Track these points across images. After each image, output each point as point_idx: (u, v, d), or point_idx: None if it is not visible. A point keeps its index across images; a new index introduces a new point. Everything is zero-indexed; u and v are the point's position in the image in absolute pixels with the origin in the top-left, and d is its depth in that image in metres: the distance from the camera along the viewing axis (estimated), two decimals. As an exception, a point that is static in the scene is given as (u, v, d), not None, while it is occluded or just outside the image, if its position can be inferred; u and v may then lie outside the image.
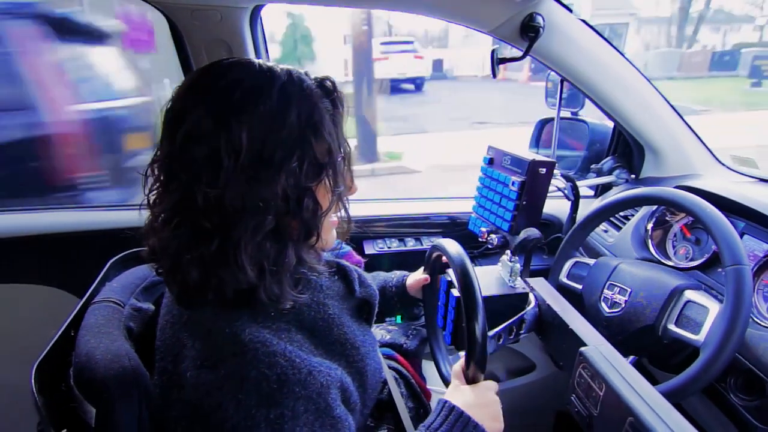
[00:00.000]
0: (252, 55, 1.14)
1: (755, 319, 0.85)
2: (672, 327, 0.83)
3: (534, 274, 1.22)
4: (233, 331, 0.54)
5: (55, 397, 0.58)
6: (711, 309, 0.78)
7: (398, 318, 1.31)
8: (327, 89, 0.61)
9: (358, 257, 0.89)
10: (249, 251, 0.54)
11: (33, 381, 0.56)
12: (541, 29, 1.01)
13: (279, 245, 0.57)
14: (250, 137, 0.52)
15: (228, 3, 1.02)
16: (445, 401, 0.67)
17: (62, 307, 0.72)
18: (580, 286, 1.04)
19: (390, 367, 0.95)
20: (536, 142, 1.60)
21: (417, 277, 0.96)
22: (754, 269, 0.91)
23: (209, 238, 0.53)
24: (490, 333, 0.77)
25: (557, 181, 1.30)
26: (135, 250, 0.82)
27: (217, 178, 0.52)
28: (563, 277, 1.09)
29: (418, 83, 11.93)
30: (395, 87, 11.34)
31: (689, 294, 0.83)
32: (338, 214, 0.66)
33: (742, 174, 1.24)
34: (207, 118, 0.53)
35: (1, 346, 1.22)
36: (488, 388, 0.70)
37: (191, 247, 0.54)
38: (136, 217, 0.60)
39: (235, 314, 0.56)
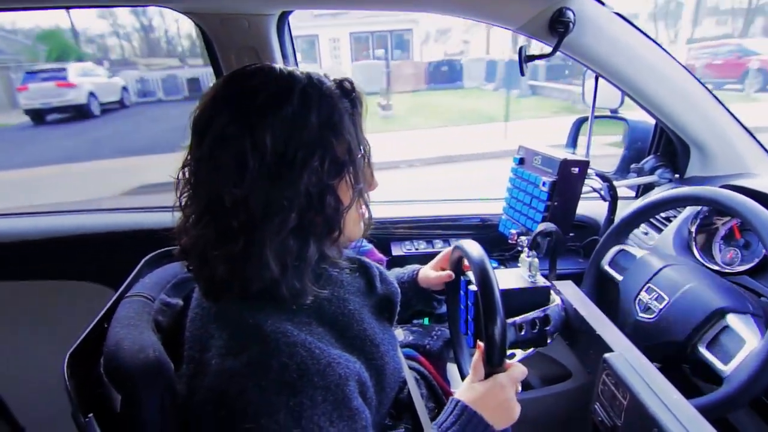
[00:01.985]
0: (280, 61, 1.17)
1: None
2: (702, 349, 0.77)
3: (569, 277, 1.18)
4: (256, 322, 0.56)
5: (86, 384, 0.62)
6: (748, 342, 0.72)
7: (425, 320, 1.30)
8: (346, 90, 0.63)
9: (380, 255, 0.89)
10: (273, 248, 0.56)
11: (66, 368, 0.60)
12: (571, 24, 0.97)
13: (301, 241, 0.59)
14: (274, 139, 0.55)
15: (255, 11, 1.06)
16: (458, 400, 0.66)
17: (103, 301, 0.76)
18: (620, 277, 0.98)
19: (411, 368, 0.94)
20: (573, 141, 1.55)
21: (430, 269, 0.95)
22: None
23: (235, 237, 0.56)
24: (510, 321, 0.75)
25: (593, 182, 1.24)
26: (167, 248, 0.86)
27: (243, 179, 0.55)
28: (605, 265, 1.04)
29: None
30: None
31: (731, 319, 0.76)
32: (360, 210, 0.68)
33: (803, 171, 1.14)
34: (232, 123, 0.56)
35: (48, 337, 1.32)
36: (503, 384, 0.68)
37: (218, 245, 0.57)
38: (170, 219, 0.64)
39: (258, 307, 0.58)
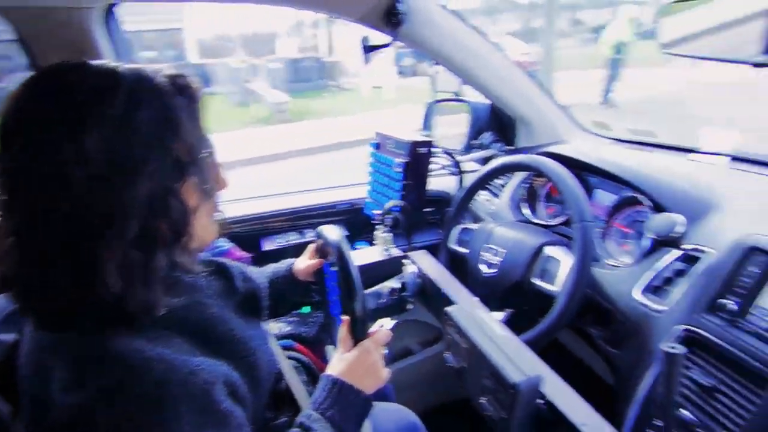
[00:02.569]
0: (111, 59, 1.07)
1: (606, 260, 0.97)
2: (536, 281, 0.93)
3: (429, 248, 1.30)
4: (101, 345, 0.51)
5: None
6: (563, 261, 0.89)
7: (306, 308, 1.32)
8: (180, 86, 0.59)
9: (241, 253, 0.88)
10: (114, 262, 0.51)
11: None
12: (402, 15, 1.05)
13: (146, 252, 0.54)
14: (100, 144, 0.50)
15: (72, 3, 0.94)
16: (328, 375, 0.69)
17: None
18: (467, 250, 1.12)
19: (291, 358, 0.96)
20: (427, 124, 1.67)
21: (304, 261, 0.97)
22: (606, 219, 1.03)
23: (66, 256, 0.50)
24: (368, 291, 0.81)
25: (442, 159, 1.37)
26: None
27: (69, 190, 0.49)
28: (452, 243, 1.16)
29: None
30: None
31: (548, 250, 0.94)
32: (211, 211, 0.65)
33: (602, 136, 1.39)
34: (48, 128, 0.50)
35: None
36: (368, 349, 0.72)
37: (46, 269, 0.51)
38: None
39: (102, 329, 0.53)
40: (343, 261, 0.72)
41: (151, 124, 0.53)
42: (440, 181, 1.47)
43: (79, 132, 0.49)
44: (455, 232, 1.16)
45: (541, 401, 0.59)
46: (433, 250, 1.22)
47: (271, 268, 1.01)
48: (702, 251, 0.76)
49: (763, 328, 0.63)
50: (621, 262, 0.95)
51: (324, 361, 1.07)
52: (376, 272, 0.85)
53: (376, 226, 0.96)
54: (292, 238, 1.41)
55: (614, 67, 7.71)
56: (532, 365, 0.60)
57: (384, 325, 0.78)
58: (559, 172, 0.91)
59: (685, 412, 0.62)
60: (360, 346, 0.72)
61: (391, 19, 1.08)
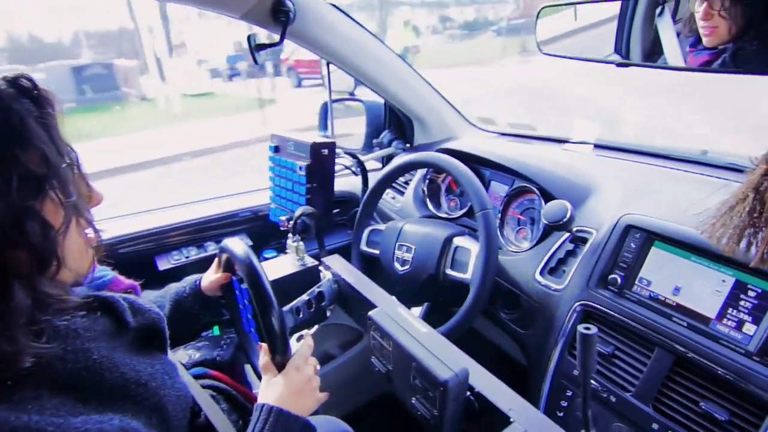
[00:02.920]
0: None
1: (507, 247, 1.05)
2: (449, 271, 0.96)
3: (339, 249, 1.28)
4: None
5: None
6: (472, 250, 0.94)
7: (215, 329, 1.22)
8: (24, 88, 0.50)
9: (129, 282, 0.77)
10: None
11: None
12: (291, 13, 1.01)
13: (2, 287, 0.45)
14: None
15: None
16: (262, 405, 0.65)
17: None
18: (377, 251, 1.12)
19: (206, 386, 0.87)
20: (324, 124, 1.65)
21: (212, 276, 0.90)
22: (501, 207, 1.11)
23: None
24: (285, 308, 0.77)
25: (344, 160, 1.36)
26: None
27: None
28: (363, 246, 1.16)
29: None
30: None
31: (457, 240, 0.98)
32: (84, 232, 0.56)
33: (487, 131, 1.49)
34: None
35: None
36: (298, 367, 0.69)
37: None
38: None
39: None
40: (254, 279, 0.67)
41: None
42: (344, 182, 1.46)
43: None
44: (365, 234, 1.16)
45: (469, 393, 0.61)
46: (345, 251, 1.21)
47: (174, 288, 0.92)
48: (588, 232, 0.85)
49: (645, 296, 0.72)
50: (520, 248, 1.03)
51: (245, 384, 1.00)
52: (291, 284, 0.81)
53: (288, 235, 0.92)
54: (192, 254, 1.30)
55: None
56: (457, 359, 0.62)
57: (303, 336, 0.75)
58: (457, 167, 0.96)
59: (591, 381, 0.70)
60: (288, 366, 0.69)
61: (278, 17, 1.04)
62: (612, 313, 0.74)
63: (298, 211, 0.87)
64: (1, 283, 0.46)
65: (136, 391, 0.56)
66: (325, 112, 1.65)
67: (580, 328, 0.50)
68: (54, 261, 0.50)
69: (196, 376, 0.88)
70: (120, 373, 0.56)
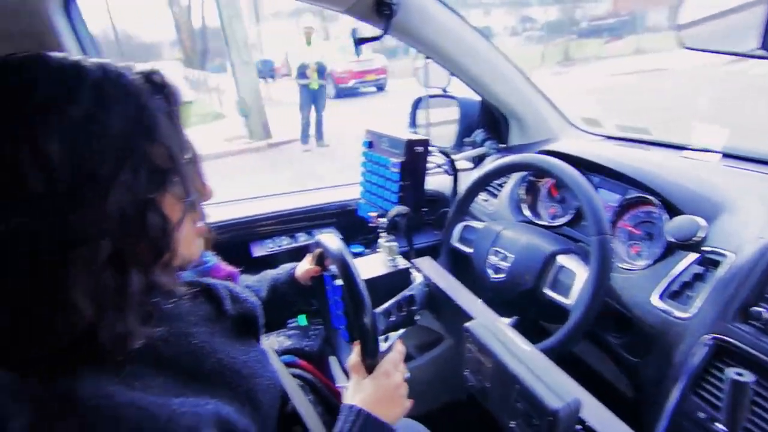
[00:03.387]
0: (74, 52, 0.96)
1: (617, 264, 0.94)
2: (547, 291, 0.89)
3: (425, 251, 1.25)
4: (67, 390, 0.44)
5: None
6: (578, 274, 0.85)
7: (301, 319, 1.26)
8: (156, 84, 0.52)
9: (229, 269, 0.80)
10: (82, 287, 0.44)
11: None
12: (394, 6, 0.99)
13: (120, 273, 0.47)
14: (63, 149, 0.43)
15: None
16: (350, 405, 0.64)
17: None
18: (471, 250, 1.07)
19: (294, 375, 0.89)
20: (413, 121, 1.62)
21: (305, 265, 0.91)
22: (612, 219, 1.01)
23: (25, 280, 0.43)
24: (377, 310, 0.76)
25: (436, 158, 1.32)
26: None
27: (28, 204, 0.42)
28: (455, 241, 1.12)
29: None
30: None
31: (561, 259, 0.89)
32: (196, 223, 0.58)
33: (592, 133, 1.37)
34: (1, 130, 0.42)
35: None
36: (387, 372, 0.68)
37: (4, 295, 0.43)
38: None
39: (69, 370, 0.46)
40: (349, 279, 0.66)
41: (123, 127, 0.46)
42: (433, 180, 1.42)
43: (38, 136, 0.42)
44: (458, 229, 1.11)
45: (579, 427, 0.55)
46: (431, 251, 1.18)
47: (271, 274, 0.95)
48: (722, 255, 0.74)
49: (799, 336, 0.61)
50: (633, 265, 0.92)
51: (329, 377, 1.02)
52: (382, 285, 0.80)
53: (380, 234, 0.90)
54: (284, 243, 1.34)
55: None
56: (567, 387, 0.56)
57: (394, 342, 0.73)
58: (575, 178, 0.86)
59: (720, 426, 0.60)
60: (378, 370, 0.67)
61: (382, 10, 1.02)
62: (754, 352, 0.62)
63: (393, 211, 0.85)
64: (120, 270, 0.47)
65: (231, 377, 0.57)
66: (415, 108, 1.63)
67: (731, 373, 0.42)
68: (167, 252, 0.52)
69: (286, 364, 0.91)
70: (217, 359, 0.57)
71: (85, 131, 0.44)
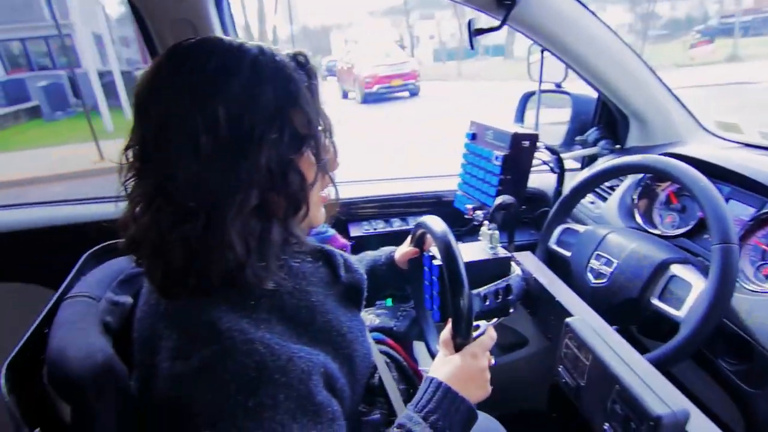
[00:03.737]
0: (219, 34, 1.10)
1: (742, 284, 0.84)
2: (655, 301, 0.82)
3: (523, 248, 1.22)
4: (210, 320, 0.52)
5: (28, 397, 0.56)
6: (695, 286, 0.77)
7: (388, 301, 1.30)
8: (300, 62, 0.60)
9: (344, 241, 0.86)
10: (237, 227, 0.53)
11: (3, 380, 0.55)
12: (517, -4, 0.98)
13: (264, 222, 0.56)
14: (227, 113, 0.52)
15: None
16: (432, 378, 0.66)
17: (40, 304, 0.70)
18: (569, 253, 1.03)
19: (381, 352, 0.94)
20: (521, 116, 1.58)
21: (404, 249, 0.95)
22: (741, 234, 0.90)
23: (193, 218, 0.53)
24: (475, 291, 0.76)
25: (542, 154, 1.28)
26: (110, 242, 0.80)
27: (197, 157, 0.52)
28: (553, 243, 1.08)
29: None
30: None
31: (675, 268, 0.82)
32: (322, 192, 0.66)
33: (727, 140, 1.23)
34: (180, 98, 0.53)
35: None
36: (475, 355, 0.69)
37: (174, 229, 0.53)
38: (112, 210, 0.59)
39: (213, 303, 0.54)
40: (451, 256, 0.68)
41: (274, 95, 0.55)
42: (535, 178, 1.37)
43: (208, 102, 0.52)
44: (557, 231, 1.07)
45: (686, 440, 0.51)
46: (528, 250, 1.14)
47: (370, 255, 1.00)
48: None
49: None
50: (762, 287, 0.82)
51: (412, 357, 1.04)
52: (480, 271, 0.80)
53: (479, 222, 0.91)
54: (379, 227, 1.40)
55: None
56: (674, 396, 0.53)
57: (487, 327, 0.73)
58: (700, 183, 0.79)
59: None
60: (467, 350, 0.68)
61: (503, 1, 1.01)
62: None
63: (499, 199, 0.85)
64: (266, 218, 0.56)
65: (336, 339, 0.63)
66: (524, 103, 1.58)
67: None
68: (303, 207, 0.59)
69: (375, 341, 0.95)
70: (327, 319, 0.63)
71: (245, 98, 0.53)
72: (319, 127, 0.60)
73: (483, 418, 0.93)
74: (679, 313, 0.78)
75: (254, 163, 0.53)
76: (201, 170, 0.52)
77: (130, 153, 0.57)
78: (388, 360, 0.93)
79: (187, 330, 0.54)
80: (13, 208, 1.39)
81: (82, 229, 1.24)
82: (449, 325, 0.70)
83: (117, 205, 0.58)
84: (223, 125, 0.52)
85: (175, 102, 0.53)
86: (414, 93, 11.95)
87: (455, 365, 0.67)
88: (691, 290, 0.78)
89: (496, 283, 0.79)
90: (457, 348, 0.69)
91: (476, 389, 0.67)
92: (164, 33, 1.04)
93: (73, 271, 0.76)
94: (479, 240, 0.87)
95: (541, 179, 1.41)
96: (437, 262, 0.80)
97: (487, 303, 0.78)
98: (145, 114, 0.55)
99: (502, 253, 0.83)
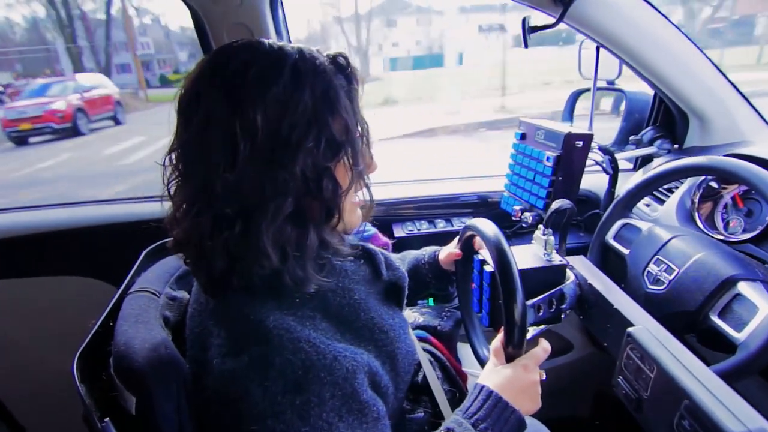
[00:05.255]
0: (274, 39, 1.12)
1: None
2: (714, 318, 0.77)
3: (571, 252, 1.18)
4: (257, 318, 0.54)
5: (96, 386, 0.60)
6: (761, 310, 0.72)
7: (430, 300, 1.30)
8: (340, 65, 0.60)
9: (385, 239, 0.87)
10: (270, 235, 0.54)
11: (75, 370, 0.58)
12: (576, -7, 0.95)
13: (300, 228, 0.57)
14: (265, 118, 0.52)
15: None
16: (483, 386, 0.65)
17: (102, 297, 0.74)
18: (626, 251, 0.98)
19: (424, 350, 0.93)
20: (570, 114, 1.53)
21: (449, 250, 0.94)
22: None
23: (231, 224, 0.54)
24: (529, 303, 0.74)
25: (594, 155, 1.24)
26: (166, 240, 0.84)
27: (235, 162, 0.52)
28: (610, 238, 1.04)
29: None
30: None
31: (742, 287, 0.76)
32: (360, 194, 0.66)
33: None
34: (220, 103, 0.53)
35: (46, 337, 1.28)
36: (527, 367, 0.67)
37: (214, 235, 0.54)
38: (161, 209, 0.61)
39: (259, 301, 0.56)
40: (505, 264, 0.66)
41: (312, 102, 0.54)
42: (586, 179, 1.32)
43: (248, 107, 0.52)
44: (616, 225, 1.03)
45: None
46: (576, 253, 1.11)
47: (413, 254, 1.00)
48: None
49: None
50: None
51: (456, 358, 1.04)
52: (534, 278, 0.78)
53: (527, 225, 0.89)
54: (423, 227, 1.39)
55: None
56: (750, 414, 0.50)
57: (541, 340, 0.71)
58: None
59: None
60: (519, 361, 0.67)
61: (560, -2, 0.98)
62: None
63: (556, 204, 0.83)
64: (301, 224, 0.57)
65: (379, 336, 0.63)
66: (573, 101, 1.54)
67: None
68: (336, 214, 0.60)
69: (418, 339, 0.95)
70: (370, 317, 0.63)
71: (284, 104, 0.53)
72: (357, 134, 0.59)
73: (529, 421, 0.91)
74: (739, 336, 0.72)
75: (291, 170, 0.53)
76: (237, 178, 0.52)
77: (173, 155, 0.58)
78: (432, 359, 0.93)
79: (235, 328, 0.55)
80: (72, 206, 1.47)
81: (138, 228, 1.30)
82: (501, 335, 0.69)
83: (163, 204, 0.60)
84: (260, 132, 0.52)
85: (216, 107, 0.53)
86: (118, 122, 10.65)
87: (507, 376, 0.66)
88: (757, 314, 0.72)
89: (550, 292, 0.78)
90: (509, 358, 0.68)
91: (527, 402, 0.65)
92: (221, 38, 1.08)
93: (134, 267, 0.80)
94: (532, 243, 0.85)
95: (591, 180, 1.36)
96: (489, 268, 0.79)
97: (541, 313, 0.76)
98: (188, 117, 0.55)
99: (557, 259, 0.81)
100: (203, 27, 1.09)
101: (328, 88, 0.56)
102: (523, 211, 1.20)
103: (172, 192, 0.59)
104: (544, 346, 0.70)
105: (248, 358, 0.52)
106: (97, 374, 0.62)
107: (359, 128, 0.60)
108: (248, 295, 0.56)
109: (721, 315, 0.77)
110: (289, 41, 1.22)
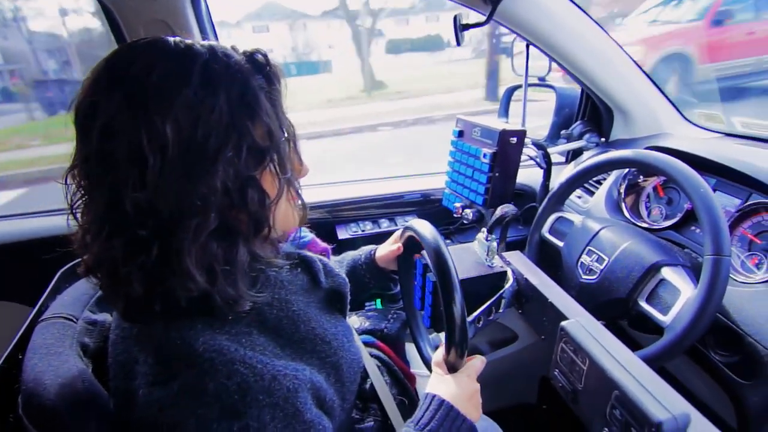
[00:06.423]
0: (198, 37, 1.05)
1: (732, 275, 0.85)
2: (642, 303, 0.82)
3: (510, 245, 1.21)
4: (186, 342, 0.49)
5: (2, 430, 0.53)
6: (683, 292, 0.77)
7: (378, 302, 1.28)
8: (258, 64, 0.54)
9: (324, 245, 0.83)
10: (194, 255, 0.48)
11: None
12: (503, -9, 0.96)
13: (227, 243, 0.51)
14: (176, 128, 0.46)
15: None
16: (434, 395, 0.64)
17: (16, 321, 0.66)
18: (561, 243, 1.02)
19: (372, 355, 0.92)
20: (505, 110, 1.57)
21: (386, 248, 0.93)
22: (729, 224, 0.91)
23: (147, 247, 0.48)
24: (469, 318, 0.74)
25: (528, 150, 1.27)
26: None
27: (144, 179, 0.46)
28: (546, 231, 1.08)
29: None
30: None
31: (665, 272, 0.81)
32: (292, 199, 0.61)
33: (710, 130, 1.24)
34: (122, 111, 0.46)
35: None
36: (470, 376, 0.68)
37: (128, 259, 0.48)
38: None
39: (187, 323, 0.51)
40: (446, 280, 0.65)
41: (228, 106, 0.49)
42: (522, 173, 1.36)
43: (154, 116, 0.46)
44: (551, 219, 1.07)
45: (686, 445, 0.51)
46: (515, 246, 1.14)
47: (351, 255, 0.98)
48: None
49: None
50: (750, 278, 0.83)
51: (404, 359, 1.03)
52: (476, 287, 0.79)
53: (468, 221, 0.89)
54: (367, 228, 1.38)
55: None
56: (674, 400, 0.52)
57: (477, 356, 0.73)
58: (694, 181, 0.76)
59: None
60: (463, 372, 0.68)
61: (489, -4, 0.99)
62: None
63: (500, 211, 0.83)
64: (228, 240, 0.51)
65: (321, 347, 0.60)
66: (507, 98, 1.57)
67: None
68: (266, 226, 0.55)
69: (365, 344, 0.93)
70: (311, 328, 0.60)
71: (195, 110, 0.47)
72: (282, 138, 0.54)
73: (484, 421, 0.93)
74: (665, 319, 0.77)
75: (210, 184, 0.48)
76: (149, 196, 0.46)
77: (75, 171, 0.50)
78: (379, 364, 0.91)
79: (162, 353, 0.50)
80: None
81: (55, 243, 1.19)
82: (442, 348, 0.69)
83: (67, 220, 0.53)
84: (171, 143, 0.46)
85: (117, 116, 0.46)
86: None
87: (453, 385, 0.66)
88: (680, 297, 0.77)
89: (490, 301, 0.79)
90: (451, 369, 0.69)
91: (473, 410, 0.66)
92: (138, 35, 0.99)
93: (48, 289, 0.72)
94: (474, 242, 0.86)
95: (527, 174, 1.41)
96: (432, 277, 0.78)
97: (480, 324, 0.78)
98: (87, 129, 0.48)
99: (498, 265, 0.82)
100: (118, 26, 1.00)
101: (246, 90, 0.50)
102: (464, 208, 1.21)
103: (78, 213, 0.52)
104: (483, 359, 0.72)
105: (178, 386, 0.47)
106: (3, 416, 0.55)
107: (284, 132, 0.55)
108: (174, 317, 0.51)
109: (649, 300, 0.82)
110: (216, 39, 1.15)
